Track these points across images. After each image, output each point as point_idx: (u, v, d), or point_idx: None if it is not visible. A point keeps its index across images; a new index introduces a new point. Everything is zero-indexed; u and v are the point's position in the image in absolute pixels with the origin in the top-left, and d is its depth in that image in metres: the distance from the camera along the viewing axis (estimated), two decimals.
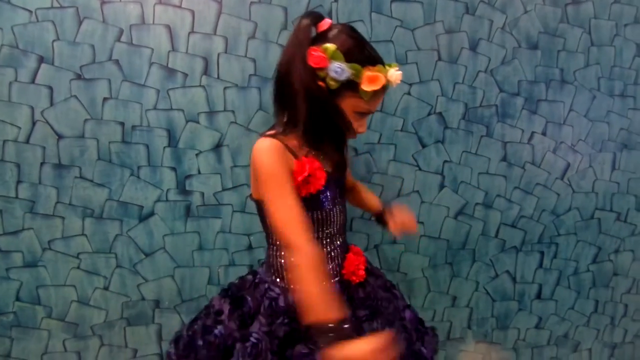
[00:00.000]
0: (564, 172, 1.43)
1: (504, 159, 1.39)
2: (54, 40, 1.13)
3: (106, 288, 1.25)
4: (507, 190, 1.41)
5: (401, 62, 1.27)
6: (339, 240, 0.94)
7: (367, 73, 0.80)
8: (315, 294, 0.71)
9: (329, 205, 0.88)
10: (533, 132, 1.39)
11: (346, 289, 0.92)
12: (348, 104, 0.83)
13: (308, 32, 0.81)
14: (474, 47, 1.31)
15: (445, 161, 1.35)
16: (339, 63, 0.79)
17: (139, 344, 1.29)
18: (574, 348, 1.57)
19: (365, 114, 0.86)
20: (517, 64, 1.34)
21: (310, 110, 0.81)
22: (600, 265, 1.53)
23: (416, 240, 1.38)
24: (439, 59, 1.30)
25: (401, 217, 1.02)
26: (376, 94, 0.83)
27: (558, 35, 1.35)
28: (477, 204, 1.40)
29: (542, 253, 1.47)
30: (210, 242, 1.27)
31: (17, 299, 1.22)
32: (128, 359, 1.29)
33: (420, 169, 1.34)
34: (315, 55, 0.79)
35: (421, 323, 1.05)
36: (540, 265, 1.48)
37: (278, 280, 0.91)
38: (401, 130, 1.31)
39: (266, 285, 0.91)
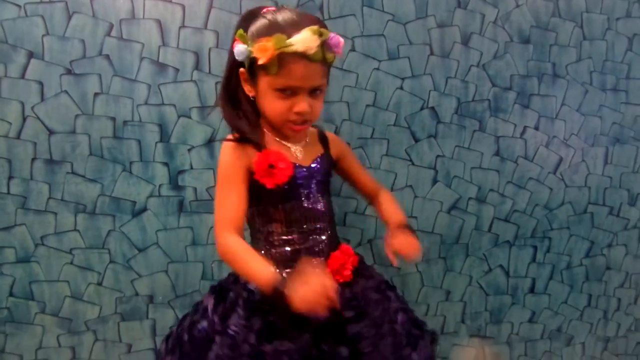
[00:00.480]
0: (556, 167, 1.44)
1: (497, 153, 1.39)
2: (43, 35, 1.12)
3: (100, 283, 1.25)
4: (500, 185, 1.41)
5: (393, 57, 1.28)
6: (324, 236, 0.93)
7: (257, 45, 0.79)
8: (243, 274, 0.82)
9: (305, 199, 0.88)
10: (525, 127, 1.39)
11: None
12: (265, 84, 0.83)
13: (235, 28, 0.85)
14: (466, 42, 1.31)
15: (438, 156, 1.36)
16: (241, 44, 0.80)
17: (133, 339, 1.29)
18: (567, 342, 1.58)
19: (289, 90, 0.82)
20: (509, 58, 1.35)
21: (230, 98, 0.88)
22: (593, 259, 1.54)
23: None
24: (431, 53, 1.30)
25: (400, 241, 0.96)
26: (285, 65, 0.80)
27: (550, 29, 1.36)
28: (470, 198, 1.40)
29: (535, 247, 1.48)
30: (203, 238, 1.27)
31: (11, 294, 1.22)
32: (122, 354, 1.29)
33: (413, 164, 1.35)
34: (233, 45, 0.82)
35: (418, 326, 1.01)
36: (534, 259, 1.49)
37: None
38: (394, 124, 1.32)
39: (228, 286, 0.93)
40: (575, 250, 1.51)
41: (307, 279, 0.70)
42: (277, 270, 0.78)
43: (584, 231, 1.51)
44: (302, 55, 0.80)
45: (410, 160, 1.34)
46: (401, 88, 1.30)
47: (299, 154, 0.92)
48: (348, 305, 0.89)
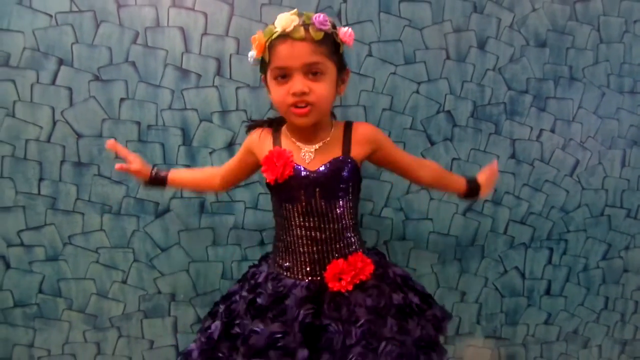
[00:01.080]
0: (573, 169, 1.45)
1: (513, 156, 1.40)
2: (72, 43, 1.18)
3: (124, 281, 1.30)
4: (516, 187, 1.42)
5: (410, 62, 1.30)
6: (331, 238, 0.93)
7: (254, 44, 0.89)
8: None
9: (306, 203, 0.91)
10: (542, 130, 1.40)
11: (321, 291, 0.92)
12: (269, 78, 0.90)
13: None
14: (482, 46, 1.33)
15: (454, 159, 1.37)
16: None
17: (155, 335, 1.34)
18: (583, 344, 1.58)
19: (283, 75, 0.86)
20: (525, 61, 1.36)
21: None
22: (610, 262, 1.54)
23: (425, 237, 1.41)
24: (448, 57, 1.32)
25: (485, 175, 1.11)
26: (273, 50, 0.86)
27: (567, 32, 1.36)
28: (486, 200, 1.42)
29: (551, 249, 1.49)
30: (223, 238, 1.31)
31: (40, 291, 1.28)
32: (145, 350, 1.34)
33: None
34: None
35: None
36: (550, 261, 1.49)
37: (270, 260, 1.00)
38: (410, 128, 1.34)
39: (264, 259, 1.04)
40: (592, 253, 1.52)
41: None
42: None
43: (601, 234, 1.51)
44: (285, 36, 0.84)
45: None
46: (417, 92, 1.32)
47: (308, 157, 0.93)
48: (332, 312, 0.90)
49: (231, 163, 1.07)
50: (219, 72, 1.23)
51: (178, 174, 1.10)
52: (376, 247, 1.38)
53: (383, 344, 0.86)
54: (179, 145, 1.25)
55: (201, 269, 1.32)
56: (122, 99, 1.21)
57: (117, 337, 1.33)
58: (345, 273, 0.91)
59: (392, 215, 1.38)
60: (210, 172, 1.11)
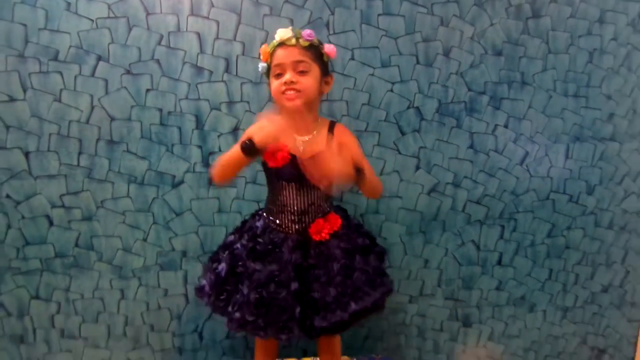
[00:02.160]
0: (522, 159, 1.70)
1: (471, 146, 1.66)
2: (109, 43, 1.43)
3: (144, 240, 1.57)
4: (473, 173, 1.68)
5: (385, 65, 1.55)
6: (315, 206, 1.22)
7: (261, 54, 1.20)
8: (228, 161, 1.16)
9: (298, 184, 1.19)
10: (496, 125, 1.66)
11: (306, 241, 1.21)
12: (271, 76, 1.17)
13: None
14: (447, 53, 1.58)
15: (421, 147, 1.63)
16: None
17: (169, 285, 1.61)
18: (530, 309, 1.85)
19: (279, 69, 1.15)
20: (483, 67, 1.61)
21: None
22: (554, 239, 1.80)
23: (395, 212, 1.67)
24: (417, 62, 1.57)
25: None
26: (274, 54, 1.16)
27: (520, 44, 1.61)
28: (447, 183, 1.67)
29: (502, 227, 1.75)
30: (227, 207, 1.58)
31: (76, 245, 1.54)
32: (160, 297, 1.62)
33: (400, 153, 1.63)
34: None
35: (371, 285, 1.21)
36: (501, 237, 1.76)
37: (265, 213, 1.26)
38: (384, 120, 1.59)
39: (257, 215, 1.27)
40: (538, 231, 1.78)
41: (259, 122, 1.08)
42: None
43: (546, 215, 1.77)
44: (282, 44, 1.15)
45: (398, 150, 1.62)
46: (391, 91, 1.58)
47: (301, 146, 1.20)
48: (312, 256, 1.19)
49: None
50: (227, 69, 1.49)
51: None
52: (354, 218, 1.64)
53: (356, 273, 1.17)
54: (193, 129, 1.51)
55: (208, 232, 1.59)
56: (147, 90, 1.47)
57: (138, 286, 1.61)
58: (324, 228, 1.20)
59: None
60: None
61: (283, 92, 1.15)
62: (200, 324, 1.65)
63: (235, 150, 1.11)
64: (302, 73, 1.15)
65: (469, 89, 1.61)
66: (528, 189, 1.73)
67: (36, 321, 1.57)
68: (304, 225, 1.21)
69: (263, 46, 1.19)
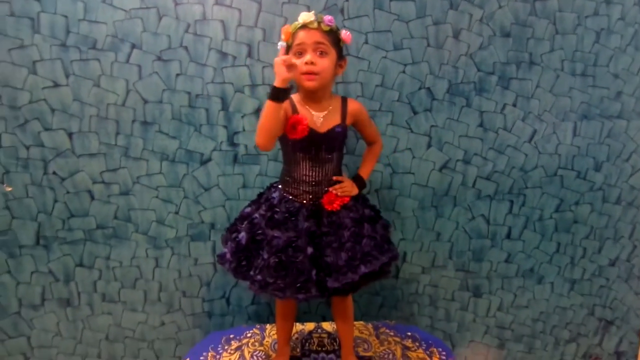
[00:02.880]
0: (531, 137, 1.77)
1: (481, 125, 1.74)
2: (142, 32, 1.56)
3: (177, 213, 1.71)
4: (483, 150, 1.76)
5: (398, 48, 1.64)
6: (328, 178, 1.33)
7: (283, 32, 1.27)
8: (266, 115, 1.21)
9: (315, 155, 1.31)
10: (505, 104, 1.73)
11: (319, 210, 1.32)
12: (291, 55, 1.25)
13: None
14: (456, 36, 1.65)
15: (432, 126, 1.72)
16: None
17: (199, 254, 1.75)
18: (538, 281, 1.94)
19: (300, 49, 1.24)
20: (492, 49, 1.68)
21: None
22: (562, 214, 1.87)
23: (408, 187, 1.77)
24: (428, 45, 1.65)
25: (341, 184, 1.35)
26: (296, 35, 1.24)
27: (527, 25, 1.67)
28: (457, 160, 1.76)
29: (511, 202, 1.83)
30: (251, 182, 1.70)
31: (115, 217, 1.69)
32: (190, 265, 1.76)
33: (412, 132, 1.72)
34: None
35: (379, 250, 1.32)
36: (510, 211, 1.84)
37: (280, 185, 1.38)
38: (397, 100, 1.69)
39: (272, 188, 1.40)
40: (546, 206, 1.86)
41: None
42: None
43: (555, 190, 1.84)
44: (304, 26, 1.24)
45: (410, 129, 1.72)
46: (404, 72, 1.67)
47: (318, 121, 1.31)
48: (325, 224, 1.30)
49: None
50: (249, 54, 1.60)
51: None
52: (369, 194, 1.75)
53: (364, 239, 1.28)
54: (219, 111, 1.64)
55: (234, 205, 1.72)
56: (177, 75, 1.60)
57: (171, 255, 1.75)
58: (336, 199, 1.31)
59: (381, 170, 1.74)
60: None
61: (303, 73, 1.25)
62: (228, 290, 1.80)
63: (266, 105, 1.20)
64: (321, 54, 1.25)
65: (478, 70, 1.69)
66: (536, 166, 1.80)
67: (80, 286, 1.74)
68: (317, 196, 1.33)
69: (285, 26, 1.28)
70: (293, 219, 1.30)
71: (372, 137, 1.47)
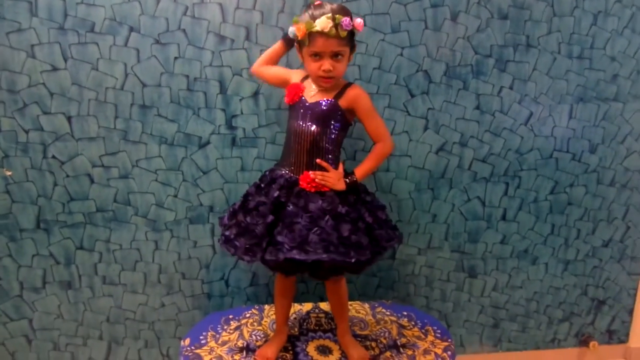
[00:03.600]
0: (527, 119, 1.79)
1: (477, 107, 1.75)
2: (139, 15, 1.55)
3: (175, 196, 1.72)
4: (479, 133, 1.78)
5: (395, 31, 1.64)
6: (304, 154, 1.34)
7: (296, 27, 1.25)
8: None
9: (301, 121, 1.33)
10: (502, 87, 1.74)
11: (294, 184, 1.33)
12: (305, 52, 1.28)
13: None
14: (454, 18, 1.66)
15: (429, 108, 1.74)
16: (293, 26, 1.27)
17: (198, 237, 1.77)
18: (532, 262, 1.97)
19: (317, 55, 1.25)
20: (489, 31, 1.68)
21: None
22: (557, 196, 1.90)
23: (405, 170, 1.79)
24: (426, 27, 1.65)
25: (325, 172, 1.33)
26: (312, 39, 1.23)
27: (525, 7, 1.67)
28: (454, 142, 1.78)
29: (507, 184, 1.85)
30: (249, 165, 1.71)
31: (115, 200, 1.70)
32: (190, 248, 1.78)
33: (409, 114, 1.73)
34: None
35: (324, 246, 1.25)
36: (506, 193, 1.86)
37: (278, 162, 1.43)
38: (394, 83, 1.70)
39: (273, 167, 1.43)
40: (541, 188, 1.88)
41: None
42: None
43: (549, 172, 1.86)
44: (322, 33, 1.22)
45: (407, 112, 1.73)
46: (401, 55, 1.67)
47: (312, 92, 1.34)
48: (295, 200, 1.31)
49: (279, 68, 1.46)
50: (247, 37, 1.60)
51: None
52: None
53: (315, 229, 1.25)
54: (217, 94, 1.64)
55: (232, 188, 1.73)
56: (175, 58, 1.59)
57: (170, 237, 1.77)
58: (312, 181, 1.31)
59: None
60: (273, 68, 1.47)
61: (319, 76, 1.29)
62: (227, 272, 1.83)
63: (277, 43, 1.43)
64: (337, 58, 1.27)
65: (476, 53, 1.69)
66: (532, 148, 1.82)
67: (81, 269, 1.76)
68: (297, 169, 1.36)
69: (299, 23, 1.25)
70: (272, 186, 1.35)
71: (374, 132, 1.39)
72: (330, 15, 1.21)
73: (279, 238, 1.27)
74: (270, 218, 1.30)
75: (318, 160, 1.34)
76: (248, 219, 1.32)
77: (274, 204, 1.31)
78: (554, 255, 1.97)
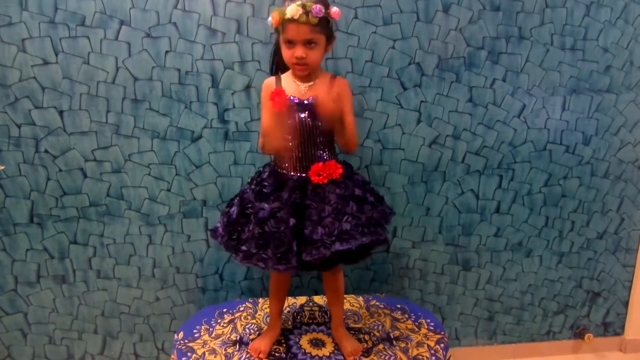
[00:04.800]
0: (520, 112, 1.79)
1: (470, 100, 1.75)
2: (130, 8, 1.54)
3: (169, 190, 1.72)
4: (472, 125, 1.77)
5: (387, 23, 1.64)
6: (308, 150, 1.33)
7: (271, 16, 1.25)
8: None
9: (299, 121, 1.31)
10: (494, 79, 1.74)
11: (306, 182, 1.32)
12: (281, 40, 1.27)
13: None
14: (446, 10, 1.65)
15: (422, 101, 1.73)
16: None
17: (191, 231, 1.78)
18: (527, 254, 1.97)
19: (290, 42, 1.24)
20: (482, 23, 1.68)
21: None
22: (551, 188, 1.90)
23: (398, 163, 1.79)
24: (418, 19, 1.65)
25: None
26: (285, 27, 1.22)
27: None
28: (447, 135, 1.78)
29: (500, 176, 1.85)
30: (242, 159, 1.71)
31: (108, 195, 1.70)
32: (183, 242, 1.78)
33: (402, 107, 1.73)
34: None
35: (361, 231, 1.27)
36: (499, 186, 1.86)
37: (272, 161, 1.40)
38: (387, 76, 1.69)
39: (267, 166, 1.41)
40: (535, 180, 1.88)
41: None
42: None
43: (543, 165, 1.86)
44: (292, 20, 1.22)
45: (400, 105, 1.73)
46: (393, 47, 1.67)
47: (303, 90, 1.32)
48: (309, 197, 1.30)
49: (265, 118, 1.36)
50: (238, 30, 1.59)
51: None
52: (359, 170, 1.77)
53: (346, 217, 1.27)
54: (209, 87, 1.64)
55: (225, 182, 1.74)
56: (166, 51, 1.59)
57: (164, 232, 1.77)
58: (322, 172, 1.32)
59: (372, 145, 1.75)
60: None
61: (294, 63, 1.28)
62: (221, 266, 1.83)
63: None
64: (311, 45, 1.26)
65: (468, 45, 1.69)
66: (525, 140, 1.82)
67: (75, 263, 1.76)
68: (305, 167, 1.34)
69: (274, 12, 1.24)
70: (279, 192, 1.32)
71: (346, 125, 1.34)
72: (300, 3, 1.21)
73: (315, 236, 1.26)
74: (292, 222, 1.28)
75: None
76: (266, 227, 1.29)
77: (292, 206, 1.30)
78: (549, 248, 1.97)
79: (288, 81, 1.34)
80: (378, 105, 1.71)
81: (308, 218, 1.28)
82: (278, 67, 1.40)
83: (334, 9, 1.27)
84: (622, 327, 2.15)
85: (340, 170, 1.33)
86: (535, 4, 1.68)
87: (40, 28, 1.52)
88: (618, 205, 1.96)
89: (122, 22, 1.55)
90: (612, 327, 2.14)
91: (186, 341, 1.51)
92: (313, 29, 1.23)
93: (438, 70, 1.70)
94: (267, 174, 1.37)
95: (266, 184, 1.34)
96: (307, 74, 1.31)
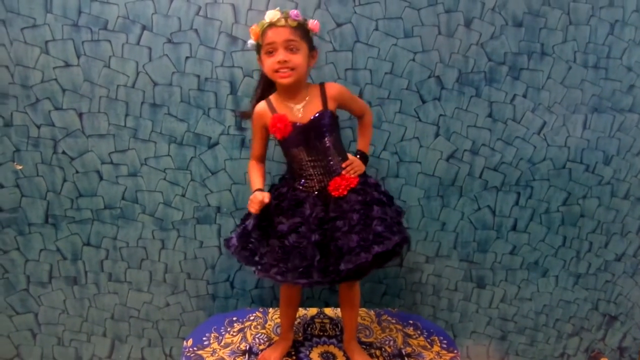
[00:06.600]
0: (540, 129, 1.76)
1: (490, 115, 1.73)
2: (152, 14, 1.56)
3: (183, 195, 1.72)
4: (491, 141, 1.75)
5: (408, 36, 1.63)
6: (330, 164, 1.32)
7: (251, 33, 1.28)
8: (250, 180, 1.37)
9: (306, 145, 1.31)
10: (515, 95, 1.71)
11: (326, 197, 1.32)
12: (262, 56, 1.28)
13: None
14: (468, 24, 1.64)
15: (441, 115, 1.72)
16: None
17: (204, 237, 1.77)
18: (543, 274, 1.93)
19: (270, 48, 1.25)
20: (504, 38, 1.66)
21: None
22: (569, 207, 1.86)
23: (414, 176, 1.77)
24: (439, 33, 1.64)
25: (349, 162, 1.35)
26: (264, 34, 1.25)
27: (540, 15, 1.65)
28: (465, 150, 1.76)
29: (518, 193, 1.82)
30: None
31: (123, 198, 1.71)
32: (196, 248, 1.78)
33: (420, 120, 1.71)
34: None
35: (390, 231, 1.27)
36: (517, 203, 1.83)
37: (287, 181, 1.39)
38: (406, 89, 1.68)
39: (283, 180, 1.42)
40: (553, 199, 1.85)
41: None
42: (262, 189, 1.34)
43: (562, 183, 1.83)
44: (271, 24, 1.24)
45: (418, 118, 1.71)
46: (413, 60, 1.66)
47: (299, 113, 1.31)
48: (333, 209, 1.30)
49: (256, 146, 1.40)
50: None
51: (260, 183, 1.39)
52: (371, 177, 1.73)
53: (375, 221, 1.26)
54: (228, 94, 1.64)
55: (240, 189, 1.73)
56: (187, 57, 1.60)
57: (177, 237, 1.77)
58: (341, 185, 1.31)
59: (388, 158, 1.74)
60: (260, 166, 1.42)
61: (276, 71, 1.26)
62: (232, 274, 1.82)
63: (252, 185, 1.38)
64: (293, 51, 1.25)
65: (489, 60, 1.67)
66: (545, 158, 1.79)
67: (87, 265, 1.76)
68: (323, 184, 1.33)
69: (253, 26, 1.27)
70: (300, 207, 1.31)
71: (360, 110, 1.44)
72: (278, 8, 1.25)
73: (351, 244, 1.24)
74: (315, 237, 1.27)
75: (343, 164, 1.35)
76: (286, 242, 1.28)
77: (315, 222, 1.29)
78: (565, 268, 1.94)
79: (280, 107, 1.33)
80: (396, 118, 1.70)
81: (338, 230, 1.27)
82: (263, 93, 1.39)
83: (314, 21, 1.29)
84: (638, 352, 2.09)
85: (357, 179, 1.33)
86: (558, 21, 1.66)
87: (64, 31, 1.53)
88: (638, 227, 1.92)
89: (144, 27, 1.56)
90: (628, 352, 2.09)
91: (195, 349, 1.50)
92: (293, 32, 1.24)
93: (458, 85, 1.68)
94: (284, 189, 1.35)
95: (284, 198, 1.33)
96: (292, 81, 1.26)
